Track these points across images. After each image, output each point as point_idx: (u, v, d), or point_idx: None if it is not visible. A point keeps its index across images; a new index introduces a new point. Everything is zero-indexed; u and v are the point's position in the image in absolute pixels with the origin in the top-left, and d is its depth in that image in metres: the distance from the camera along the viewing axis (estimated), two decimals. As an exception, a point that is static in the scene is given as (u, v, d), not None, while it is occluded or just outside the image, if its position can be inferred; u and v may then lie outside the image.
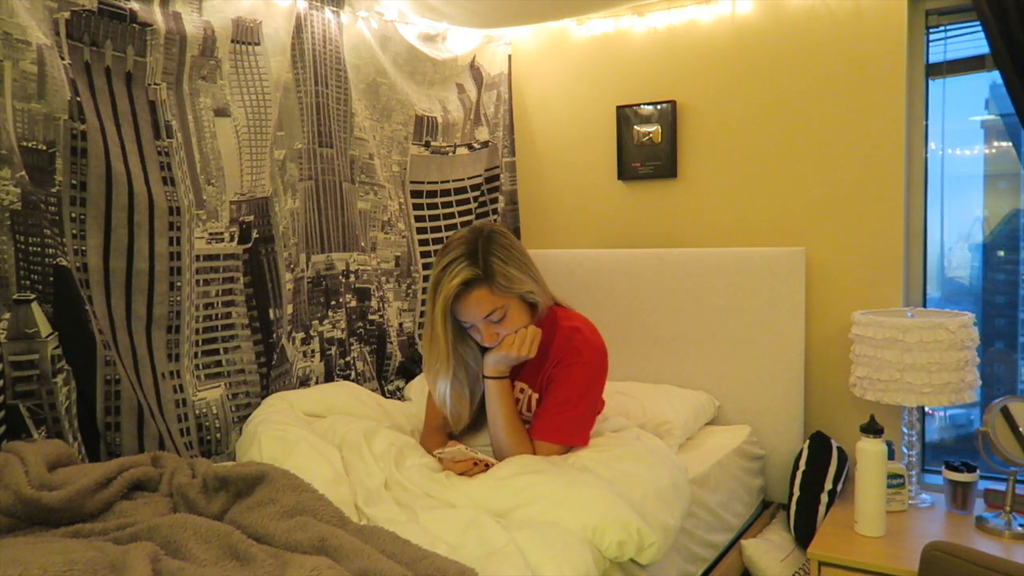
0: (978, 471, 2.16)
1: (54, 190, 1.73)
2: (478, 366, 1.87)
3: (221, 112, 2.08)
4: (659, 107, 2.79)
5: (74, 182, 1.77)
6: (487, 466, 1.77)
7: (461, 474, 1.77)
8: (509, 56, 3.11)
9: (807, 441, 2.41)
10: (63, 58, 1.72)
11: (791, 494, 2.30)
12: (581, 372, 1.83)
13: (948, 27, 2.41)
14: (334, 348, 2.46)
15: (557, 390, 1.84)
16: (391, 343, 2.65)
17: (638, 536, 1.54)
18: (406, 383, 2.72)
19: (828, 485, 2.26)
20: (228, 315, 2.12)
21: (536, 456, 1.80)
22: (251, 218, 2.16)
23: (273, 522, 1.39)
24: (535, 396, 1.91)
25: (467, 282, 1.70)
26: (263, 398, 2.13)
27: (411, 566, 1.26)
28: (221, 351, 2.10)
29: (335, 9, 2.43)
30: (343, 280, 2.50)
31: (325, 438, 1.89)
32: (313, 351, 2.39)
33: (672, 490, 1.72)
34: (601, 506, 1.56)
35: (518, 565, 1.38)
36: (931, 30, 2.43)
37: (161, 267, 1.93)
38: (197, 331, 2.04)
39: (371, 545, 1.31)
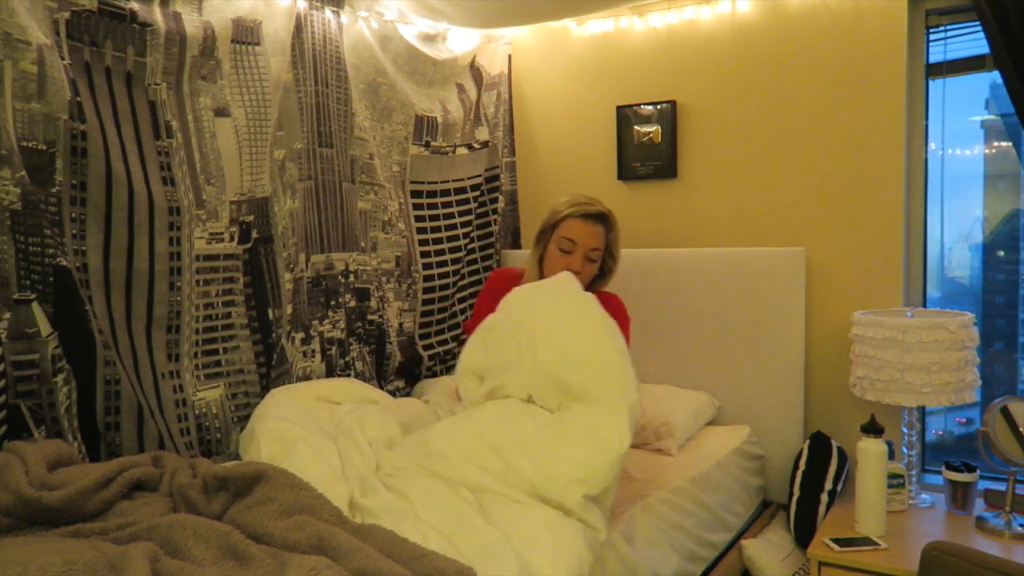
0: (978, 471, 2.16)
1: (54, 190, 1.73)
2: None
3: (221, 112, 2.08)
4: (659, 107, 2.79)
5: (74, 182, 1.77)
6: None
7: None
8: (509, 56, 3.11)
9: (807, 441, 2.42)
10: (63, 58, 1.72)
11: (791, 494, 2.30)
12: (623, 329, 2.05)
13: (948, 27, 2.41)
14: (334, 348, 2.46)
15: None
16: (391, 343, 2.65)
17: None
18: (406, 383, 2.73)
19: (828, 485, 2.26)
20: (228, 315, 2.12)
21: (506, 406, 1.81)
22: (251, 218, 2.16)
23: (271, 521, 1.39)
24: None
25: (601, 215, 2.09)
26: (263, 399, 2.13)
27: (409, 565, 1.26)
28: (221, 351, 2.10)
29: (335, 9, 2.43)
30: (342, 280, 2.50)
31: (322, 426, 1.89)
32: (313, 351, 2.39)
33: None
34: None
35: (512, 564, 1.38)
36: (931, 30, 2.43)
37: (161, 267, 1.93)
38: (197, 331, 2.04)
39: (369, 544, 1.31)
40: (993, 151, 2.54)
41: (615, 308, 2.13)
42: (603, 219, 2.08)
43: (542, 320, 1.77)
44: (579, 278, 2.03)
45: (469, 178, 2.97)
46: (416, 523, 1.48)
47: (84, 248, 1.80)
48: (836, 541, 1.98)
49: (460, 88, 2.91)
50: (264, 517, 1.40)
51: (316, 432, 1.87)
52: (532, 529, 1.48)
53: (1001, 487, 2.11)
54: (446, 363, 2.87)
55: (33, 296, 1.67)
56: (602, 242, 2.09)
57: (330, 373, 2.44)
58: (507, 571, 1.36)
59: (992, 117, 2.51)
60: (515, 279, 2.19)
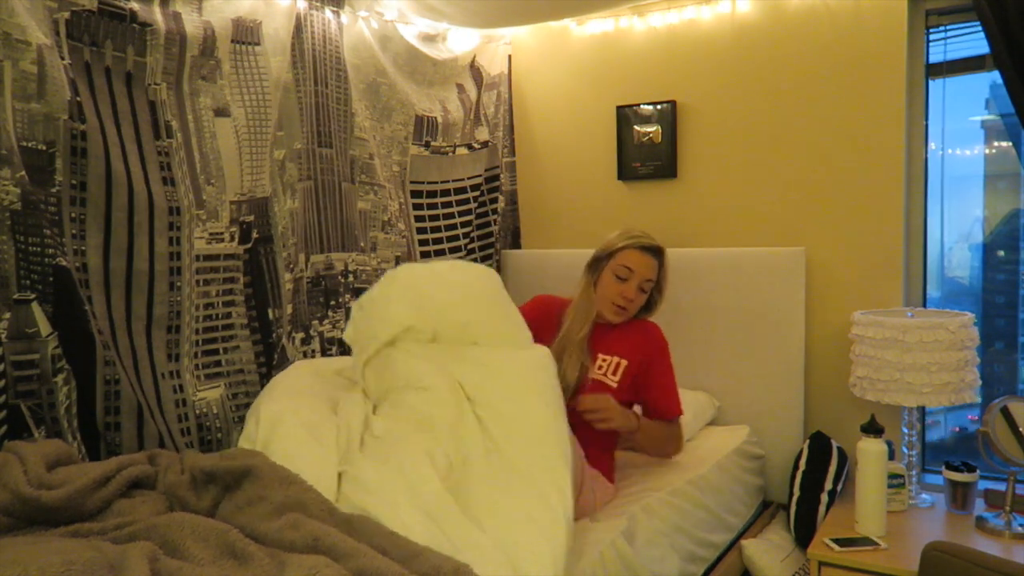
0: (978, 471, 2.16)
1: (54, 190, 1.73)
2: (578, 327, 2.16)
3: (221, 112, 2.08)
4: (659, 107, 2.79)
5: (74, 182, 1.77)
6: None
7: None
8: (509, 56, 3.11)
9: (807, 441, 2.41)
10: (63, 58, 1.72)
11: (791, 494, 2.30)
12: (666, 357, 2.19)
13: (948, 27, 2.41)
14: (334, 348, 2.46)
15: (660, 379, 2.16)
16: (391, 343, 2.65)
17: None
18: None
19: (828, 485, 2.26)
20: (228, 315, 2.12)
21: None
22: (251, 218, 2.16)
23: (264, 523, 1.37)
24: (623, 362, 2.12)
25: (657, 249, 2.17)
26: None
27: (407, 563, 1.26)
28: (221, 351, 2.11)
29: (335, 9, 2.43)
30: (342, 280, 2.50)
31: (331, 394, 1.88)
32: (313, 351, 2.39)
33: None
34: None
35: (500, 564, 1.37)
36: (931, 30, 2.43)
37: (161, 267, 1.93)
38: (197, 331, 2.04)
39: (363, 542, 1.30)
40: (993, 151, 2.54)
41: (656, 337, 2.19)
42: (658, 253, 2.17)
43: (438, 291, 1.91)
44: (630, 306, 2.13)
45: (469, 178, 2.97)
46: (397, 519, 1.44)
47: (84, 248, 1.80)
48: (836, 541, 1.98)
49: (460, 88, 2.91)
50: (256, 519, 1.39)
51: (321, 397, 1.84)
52: (524, 529, 1.46)
53: (1001, 487, 2.11)
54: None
55: (33, 296, 1.67)
56: (655, 274, 2.16)
57: (330, 373, 2.44)
58: (491, 557, 1.36)
59: (992, 117, 2.51)
60: (563, 307, 2.21)
